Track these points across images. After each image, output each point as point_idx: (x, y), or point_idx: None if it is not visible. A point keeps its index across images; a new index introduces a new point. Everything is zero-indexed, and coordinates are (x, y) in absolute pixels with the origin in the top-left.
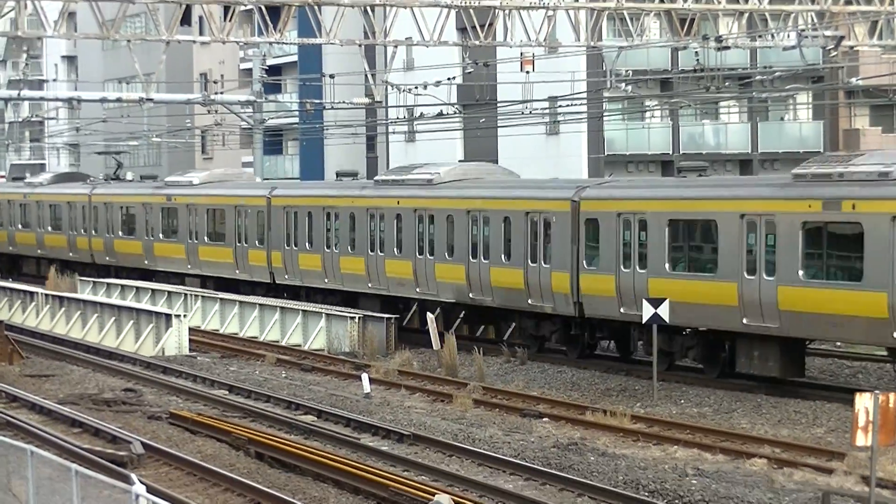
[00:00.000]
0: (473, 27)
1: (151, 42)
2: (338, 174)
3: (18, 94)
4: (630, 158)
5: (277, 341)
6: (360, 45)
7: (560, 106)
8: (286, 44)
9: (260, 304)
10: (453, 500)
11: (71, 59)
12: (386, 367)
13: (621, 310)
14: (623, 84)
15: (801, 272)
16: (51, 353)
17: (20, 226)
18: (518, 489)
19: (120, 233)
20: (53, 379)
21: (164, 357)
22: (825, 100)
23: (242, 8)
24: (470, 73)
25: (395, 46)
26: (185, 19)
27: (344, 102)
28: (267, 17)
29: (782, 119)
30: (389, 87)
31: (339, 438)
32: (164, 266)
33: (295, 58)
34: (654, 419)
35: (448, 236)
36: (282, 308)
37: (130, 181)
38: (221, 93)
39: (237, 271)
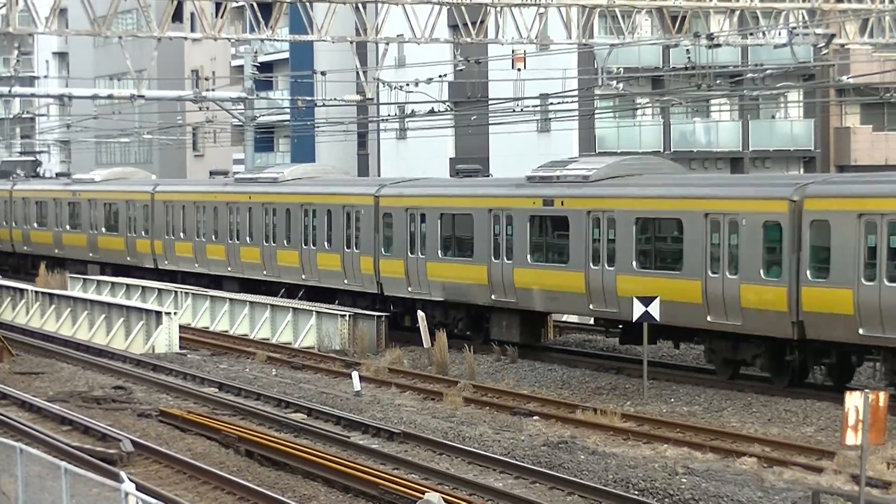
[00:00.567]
0: (465, 24)
1: (143, 39)
2: (211, 173)
3: (9, 91)
4: (621, 156)
5: (268, 339)
6: (351, 42)
7: (551, 103)
8: (278, 41)
9: (250, 302)
10: (443, 499)
11: (62, 56)
12: (376, 365)
13: (409, 289)
14: (614, 82)
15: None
16: (41, 351)
17: None
18: (508, 487)
19: (35, 224)
20: (43, 376)
21: (154, 354)
22: (816, 98)
23: (234, 4)
24: (461, 70)
25: (387, 43)
26: (177, 16)
27: (335, 99)
28: (258, 14)
29: (773, 117)
30: (381, 85)
31: (329, 436)
32: (70, 254)
33: (286, 55)
34: (644, 418)
35: (287, 227)
36: (272, 306)
37: (48, 178)
38: (213, 89)
39: (128, 258)
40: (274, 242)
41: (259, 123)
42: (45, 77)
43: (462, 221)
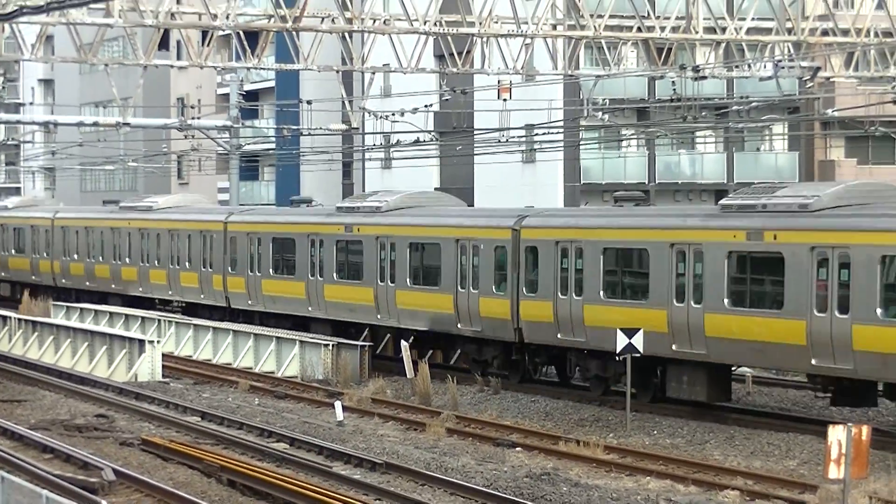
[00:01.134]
0: (451, 54)
1: (129, 66)
2: (104, 202)
3: None
4: (606, 187)
5: (251, 368)
6: (337, 72)
7: (536, 134)
8: (264, 69)
9: (234, 331)
10: None
11: (48, 83)
12: (359, 395)
13: (249, 302)
14: (600, 113)
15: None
16: (23, 378)
17: None
18: None
19: None
20: (25, 404)
21: (136, 383)
22: (801, 131)
23: (220, 33)
24: (447, 100)
25: (373, 73)
26: (163, 44)
27: (321, 128)
28: (245, 43)
29: (758, 149)
30: (366, 114)
31: (312, 466)
32: None
33: (272, 83)
34: (627, 450)
35: (159, 249)
36: (255, 335)
37: None
38: (198, 118)
39: (32, 277)
40: (147, 262)
41: (244, 152)
42: (31, 104)
43: (287, 244)
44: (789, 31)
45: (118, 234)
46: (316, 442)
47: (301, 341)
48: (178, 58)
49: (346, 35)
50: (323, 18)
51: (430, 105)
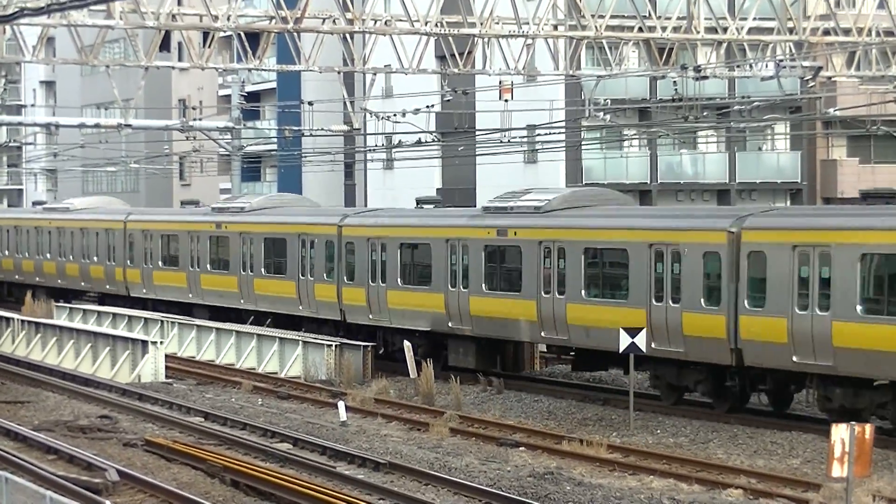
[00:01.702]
0: (452, 55)
1: (130, 68)
2: (34, 203)
3: None
4: (608, 187)
5: (254, 368)
6: (338, 73)
7: (538, 134)
8: (265, 70)
9: (237, 332)
10: None
11: (49, 85)
12: (362, 395)
13: (144, 291)
14: (601, 113)
15: None
16: (26, 380)
17: None
18: None
19: None
20: (29, 405)
21: (139, 384)
22: (803, 130)
23: (222, 34)
24: (449, 100)
25: (374, 74)
26: (164, 45)
27: (322, 129)
28: (246, 44)
29: (760, 149)
30: (368, 115)
31: (315, 466)
32: None
33: (274, 84)
34: (630, 449)
35: (76, 245)
36: (258, 335)
37: None
38: (200, 119)
39: None
40: (63, 257)
41: (246, 153)
42: (32, 105)
43: (174, 240)
44: (791, 30)
45: (39, 233)
46: (319, 442)
47: (304, 342)
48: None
49: (348, 36)
50: (324, 19)
51: (432, 106)
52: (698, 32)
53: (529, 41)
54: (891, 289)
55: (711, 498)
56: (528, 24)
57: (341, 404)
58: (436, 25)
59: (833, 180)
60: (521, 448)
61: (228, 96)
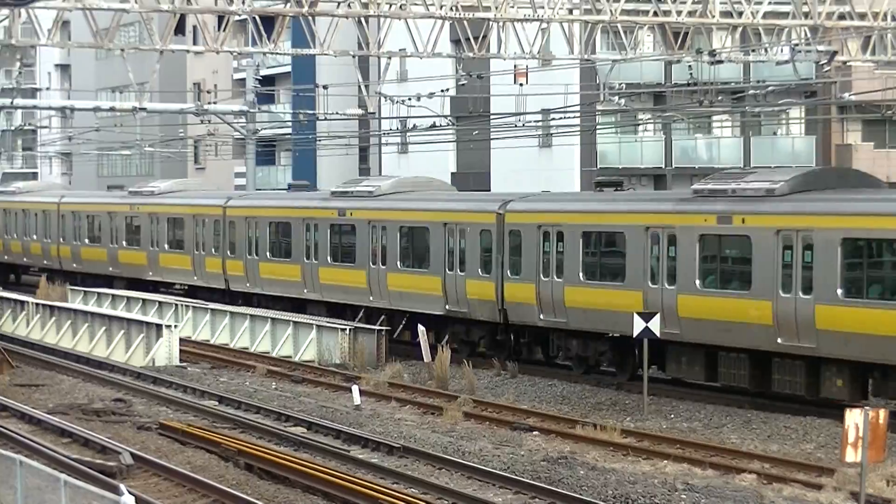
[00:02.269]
0: (467, 39)
1: (145, 51)
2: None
3: (11, 103)
4: (622, 172)
5: (268, 352)
6: (353, 56)
7: (553, 119)
8: (280, 54)
9: (251, 315)
10: None
11: (64, 68)
12: (376, 379)
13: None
14: (616, 97)
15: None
16: (41, 363)
17: None
18: (507, 502)
19: None
20: (43, 388)
21: (154, 367)
22: (818, 115)
23: (236, 18)
24: (463, 84)
25: (389, 58)
26: (179, 29)
27: (337, 113)
28: (261, 28)
29: (775, 134)
30: (383, 99)
31: (329, 450)
32: None
33: (288, 68)
34: (644, 433)
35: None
36: (273, 319)
37: None
38: (215, 102)
39: None
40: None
41: (260, 137)
42: (48, 89)
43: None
44: (806, 15)
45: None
46: (333, 426)
47: (318, 326)
48: (195, 43)
49: (363, 20)
50: (339, 3)
51: (447, 90)
52: (713, 17)
53: (544, 25)
54: (587, 260)
55: (725, 483)
56: (542, 7)
57: (355, 388)
58: (451, 9)
59: (848, 165)
60: (534, 432)
61: (243, 80)
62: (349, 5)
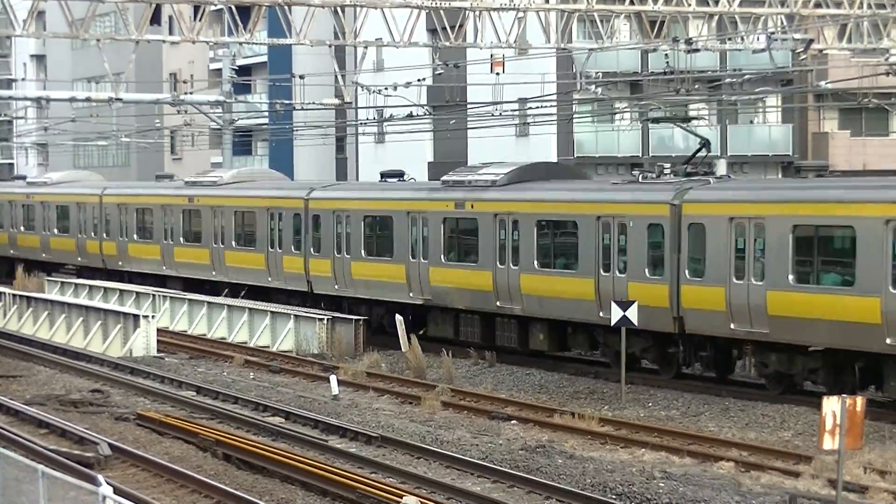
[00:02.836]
0: (444, 28)
1: (121, 42)
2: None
3: None
4: (600, 160)
5: (246, 342)
6: (330, 46)
7: (530, 108)
8: (256, 44)
9: (228, 305)
10: (421, 502)
11: (40, 59)
12: (354, 369)
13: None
14: (593, 86)
15: None
16: (18, 354)
17: None
18: (486, 491)
19: None
20: (20, 380)
21: (131, 358)
22: (794, 103)
23: (212, 8)
24: (440, 74)
25: (366, 47)
26: (155, 19)
27: (314, 103)
28: (237, 17)
29: (752, 122)
30: (359, 88)
31: (307, 440)
32: None
33: (265, 58)
34: (622, 422)
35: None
36: (250, 309)
37: None
38: (191, 93)
39: None
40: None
41: (237, 127)
42: (23, 80)
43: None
44: (782, 3)
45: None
46: (311, 416)
47: (296, 315)
48: (171, 33)
49: (339, 9)
50: None
51: (423, 79)
52: (689, 5)
53: (521, 14)
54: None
55: (703, 471)
56: None
57: (333, 378)
58: None
59: (825, 153)
60: (512, 421)
61: (219, 70)
62: None
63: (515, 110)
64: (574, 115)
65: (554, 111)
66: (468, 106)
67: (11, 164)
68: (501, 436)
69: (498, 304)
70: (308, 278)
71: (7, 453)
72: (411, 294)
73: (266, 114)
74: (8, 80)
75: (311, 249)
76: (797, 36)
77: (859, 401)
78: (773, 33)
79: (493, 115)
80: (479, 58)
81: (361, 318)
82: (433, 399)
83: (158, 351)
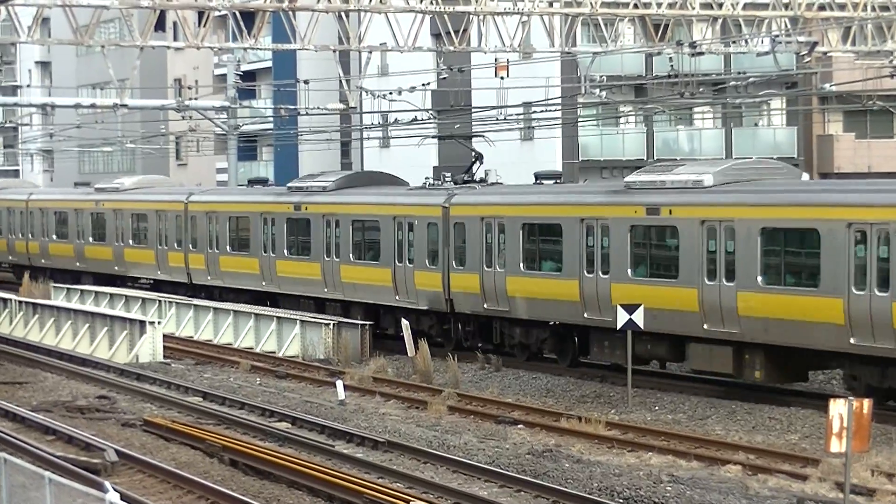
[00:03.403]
0: (448, 33)
1: (125, 48)
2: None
3: None
4: (605, 164)
5: (252, 348)
6: (334, 51)
7: (534, 112)
8: (260, 49)
9: (234, 311)
10: None
11: (45, 65)
12: (360, 374)
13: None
14: (597, 90)
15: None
16: (24, 361)
17: None
18: (493, 496)
19: None
20: (27, 386)
21: (138, 364)
22: (799, 105)
23: (217, 14)
24: (444, 78)
25: (370, 52)
26: (160, 25)
27: (318, 108)
28: (241, 23)
29: (756, 125)
30: (364, 93)
31: (314, 445)
32: None
33: (269, 63)
34: (628, 426)
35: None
36: (256, 315)
37: None
38: (196, 98)
39: None
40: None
41: (242, 132)
42: (28, 86)
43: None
44: (786, 5)
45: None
46: (318, 421)
47: (302, 321)
48: (175, 39)
49: (343, 14)
50: None
51: (428, 84)
52: (693, 8)
53: (525, 18)
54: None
55: (710, 474)
56: (523, 1)
57: (339, 383)
58: (431, 3)
59: (829, 155)
60: (519, 426)
61: (224, 76)
62: (329, 0)
63: (520, 114)
64: (578, 119)
65: (558, 115)
66: (473, 110)
67: (17, 171)
68: (508, 440)
69: (325, 290)
70: (188, 271)
71: (14, 460)
72: (263, 283)
73: (271, 119)
74: (13, 86)
75: (190, 246)
76: (801, 38)
77: (866, 403)
78: (777, 36)
79: (497, 120)
80: (484, 62)
81: (368, 322)
82: (440, 404)
83: (165, 357)
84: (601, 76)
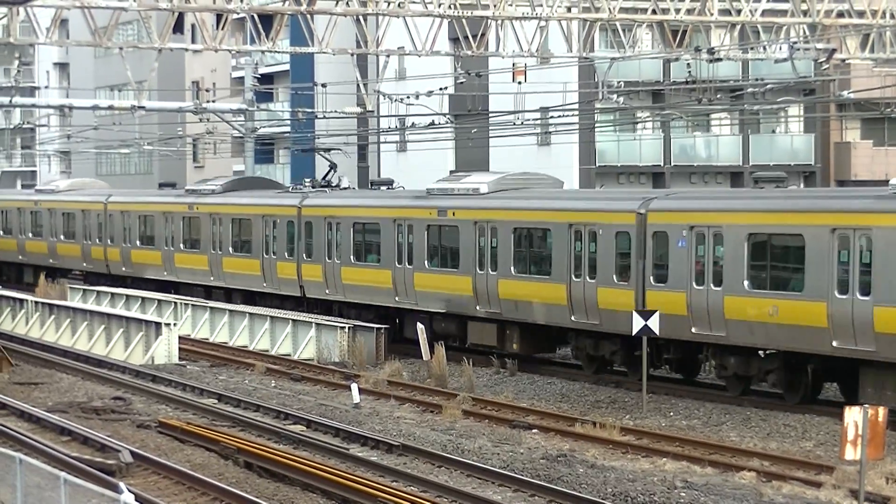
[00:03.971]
0: (466, 37)
1: (143, 50)
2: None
3: (10, 101)
4: (622, 170)
5: (267, 350)
6: (352, 55)
7: (552, 117)
8: (278, 52)
9: (250, 314)
10: None
11: (63, 66)
12: (375, 377)
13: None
14: (615, 95)
15: None
16: (40, 361)
17: None
18: (507, 500)
19: None
20: (42, 387)
21: (153, 365)
22: (816, 112)
23: (235, 16)
24: (462, 83)
25: (388, 56)
26: (178, 27)
27: (336, 111)
28: (259, 26)
29: (774, 132)
30: (381, 97)
31: (329, 448)
32: None
33: (287, 66)
34: (643, 431)
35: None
36: (272, 317)
37: None
38: (213, 101)
39: None
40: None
41: (259, 135)
42: (46, 87)
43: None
44: (804, 12)
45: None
46: (333, 424)
47: (317, 324)
48: (193, 41)
49: (361, 18)
50: (337, 1)
51: (445, 88)
52: (712, 14)
53: (543, 23)
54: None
55: (724, 480)
56: (541, 5)
57: (354, 386)
58: (449, 7)
59: (847, 163)
60: (534, 430)
61: (242, 78)
62: (348, 3)
63: (537, 119)
64: (596, 124)
65: (576, 120)
66: (490, 115)
67: (34, 172)
68: (523, 444)
69: (211, 279)
70: (107, 262)
71: (29, 460)
72: (165, 273)
73: (288, 122)
74: (31, 87)
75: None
76: (819, 46)
77: (881, 411)
78: (795, 43)
79: (514, 124)
80: (501, 67)
81: (383, 326)
82: (454, 408)
83: (180, 359)
84: (619, 82)
